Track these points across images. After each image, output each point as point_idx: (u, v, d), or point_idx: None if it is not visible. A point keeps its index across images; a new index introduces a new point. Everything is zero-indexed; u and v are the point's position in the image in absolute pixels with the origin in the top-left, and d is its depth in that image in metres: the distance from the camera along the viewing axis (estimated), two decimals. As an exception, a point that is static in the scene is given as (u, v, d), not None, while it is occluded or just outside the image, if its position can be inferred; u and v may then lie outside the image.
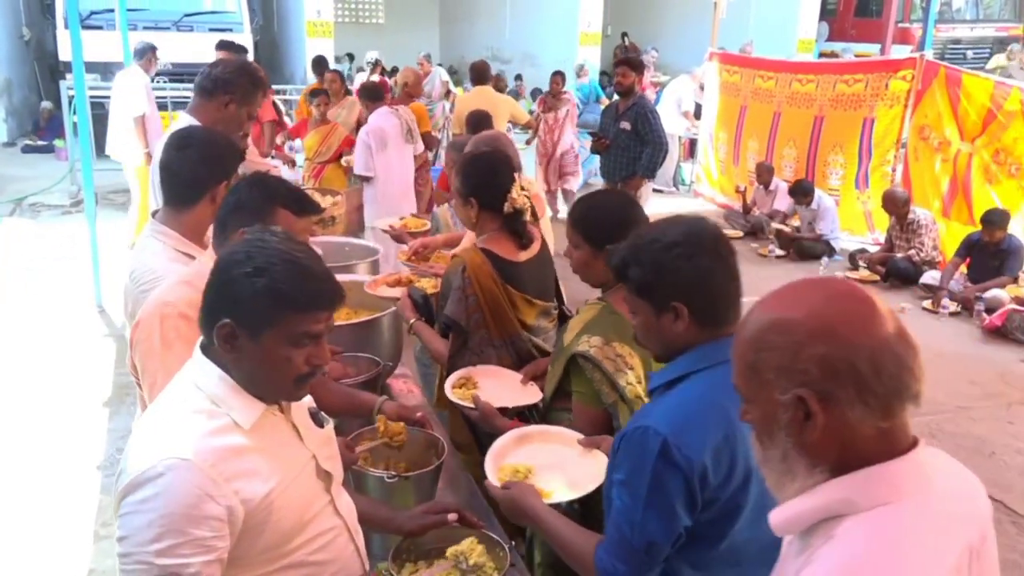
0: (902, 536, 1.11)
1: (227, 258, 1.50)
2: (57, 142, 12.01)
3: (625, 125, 6.33)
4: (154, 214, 2.50)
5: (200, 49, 9.50)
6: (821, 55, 15.38)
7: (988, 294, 6.85)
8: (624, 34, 19.01)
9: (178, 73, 11.16)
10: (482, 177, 2.80)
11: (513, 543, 1.92)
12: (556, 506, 1.97)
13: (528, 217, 2.81)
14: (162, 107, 10.42)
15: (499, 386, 2.60)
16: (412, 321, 2.94)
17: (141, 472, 1.39)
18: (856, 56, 13.69)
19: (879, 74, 8.25)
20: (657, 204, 9.18)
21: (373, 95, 6.68)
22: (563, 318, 2.94)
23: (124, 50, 9.11)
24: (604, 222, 2.31)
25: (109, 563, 3.52)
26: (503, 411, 2.47)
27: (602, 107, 11.31)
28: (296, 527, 1.54)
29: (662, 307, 1.75)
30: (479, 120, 5.48)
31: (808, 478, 1.18)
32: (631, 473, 1.67)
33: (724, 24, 11.29)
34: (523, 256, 2.80)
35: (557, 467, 2.11)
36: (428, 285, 3.22)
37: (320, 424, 1.73)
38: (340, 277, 2.15)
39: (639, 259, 1.78)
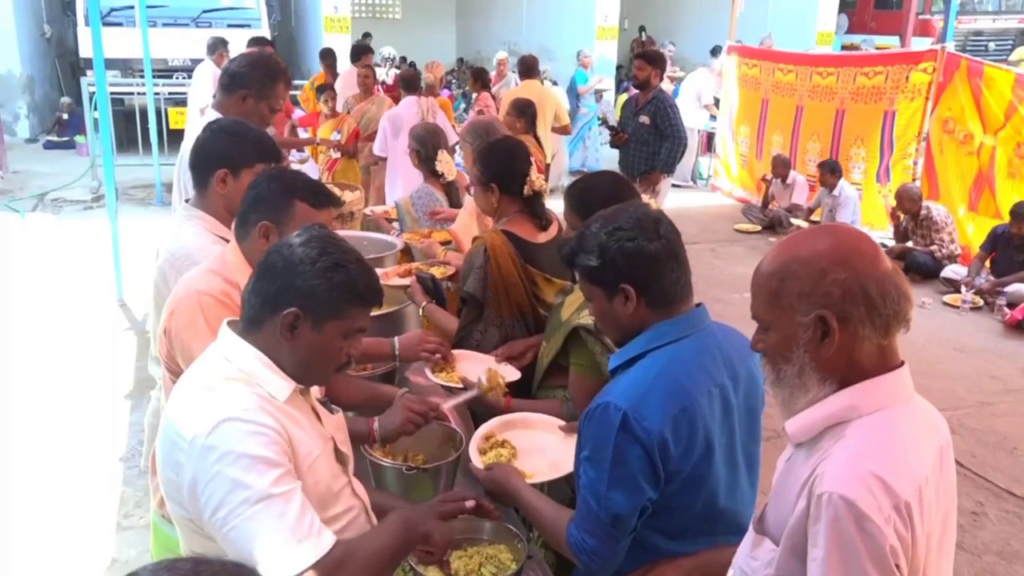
0: (898, 432, 1.35)
1: (299, 251, 1.54)
2: (78, 138, 12.13)
3: (644, 119, 6.30)
4: (187, 201, 2.54)
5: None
6: (843, 48, 15.24)
7: (1010, 288, 6.78)
8: (641, 28, 18.92)
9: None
10: (501, 163, 2.90)
11: (532, 534, 1.92)
12: (539, 487, 2.03)
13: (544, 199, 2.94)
14: (181, 103, 10.54)
15: (476, 367, 2.65)
16: (424, 304, 3.05)
17: (208, 432, 1.43)
18: (877, 48, 13.55)
19: (899, 66, 8.17)
20: (675, 198, 9.18)
21: (409, 85, 7.09)
22: None
23: (144, 47, 9.18)
24: (597, 201, 2.30)
25: (132, 553, 3.57)
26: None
27: (580, 95, 11.40)
28: (325, 497, 1.59)
29: (612, 291, 1.83)
30: (523, 107, 5.92)
31: (819, 391, 1.38)
32: (595, 448, 1.74)
33: (742, 17, 11.22)
34: (542, 237, 2.90)
35: (539, 451, 2.21)
36: (436, 271, 3.36)
37: (331, 410, 1.79)
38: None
39: (584, 246, 1.86)
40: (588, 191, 2.45)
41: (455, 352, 2.76)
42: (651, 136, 6.28)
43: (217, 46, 8.09)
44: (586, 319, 2.28)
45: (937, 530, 1.38)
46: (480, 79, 8.87)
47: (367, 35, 15.87)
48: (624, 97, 13.87)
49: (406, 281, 3.06)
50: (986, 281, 7.02)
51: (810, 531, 1.31)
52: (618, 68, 16.17)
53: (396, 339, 2.52)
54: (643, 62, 6.31)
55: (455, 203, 4.34)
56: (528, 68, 8.59)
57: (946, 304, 6.98)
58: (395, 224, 4.50)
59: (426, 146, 4.32)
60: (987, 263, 7.23)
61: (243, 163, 2.46)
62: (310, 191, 2.06)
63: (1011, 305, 6.64)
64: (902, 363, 1.41)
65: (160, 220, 8.75)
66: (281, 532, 1.34)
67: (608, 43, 14.59)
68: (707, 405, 1.78)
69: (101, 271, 6.86)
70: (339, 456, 1.69)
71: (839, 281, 1.35)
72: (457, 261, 3.65)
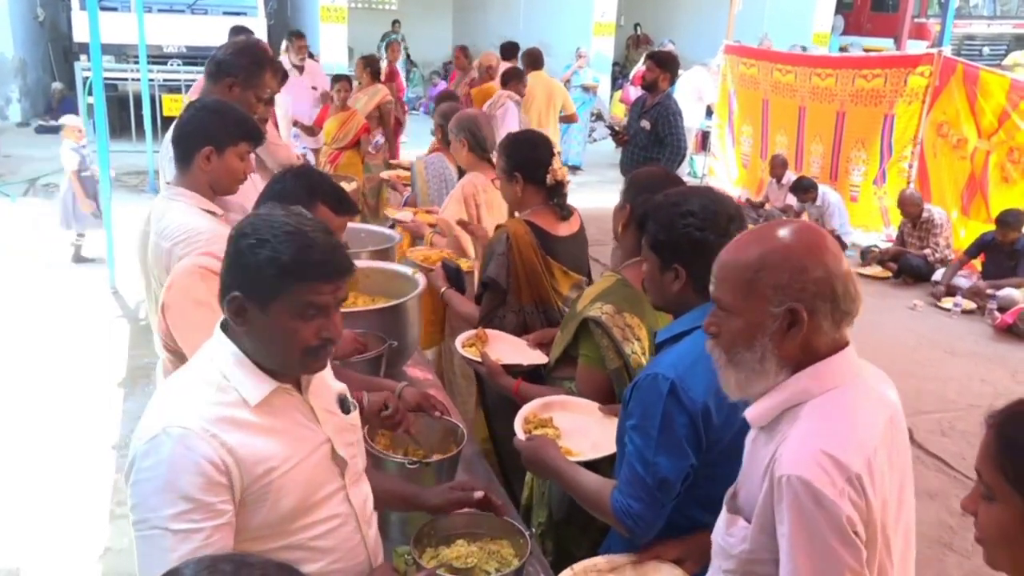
0: (847, 409, 1.45)
1: (236, 232, 1.52)
2: (71, 123, 12.02)
3: (645, 124, 6.16)
4: (168, 182, 2.56)
5: (214, 32, 9.52)
6: (841, 50, 15.27)
7: (1001, 293, 6.83)
8: (636, 25, 18.92)
9: (192, 56, 11.20)
10: (525, 153, 2.99)
11: (533, 530, 1.93)
12: (582, 464, 2.08)
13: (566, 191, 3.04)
14: (175, 90, 10.47)
15: (506, 348, 2.78)
16: (444, 289, 3.19)
17: (146, 440, 1.43)
18: (865, 51, 13.58)
19: (898, 70, 8.18)
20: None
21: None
22: None
23: (139, 32, 9.11)
24: (652, 189, 2.31)
25: (125, 541, 3.56)
26: (508, 369, 2.66)
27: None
28: (298, 509, 1.54)
29: (666, 265, 1.95)
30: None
31: (776, 377, 1.48)
32: (643, 416, 1.83)
33: (738, 16, 11.22)
34: (563, 231, 3.00)
35: (580, 432, 2.26)
36: (463, 263, 3.50)
37: (346, 411, 1.72)
38: (357, 263, 2.15)
39: (657, 217, 1.96)
40: (647, 177, 2.52)
41: (489, 332, 2.85)
42: (649, 141, 6.18)
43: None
44: (596, 311, 2.33)
45: (894, 493, 1.47)
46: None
47: (396, 23, 15.78)
48: (619, 94, 13.91)
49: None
50: (973, 284, 7.07)
51: (776, 510, 1.41)
52: (614, 65, 16.15)
53: (404, 385, 2.44)
54: (653, 63, 6.15)
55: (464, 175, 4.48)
56: (534, 60, 8.65)
57: (938, 307, 7.03)
58: (408, 188, 4.84)
59: (448, 120, 4.44)
60: (977, 267, 7.29)
61: (228, 141, 2.46)
62: (334, 196, 2.07)
63: (1002, 309, 6.69)
64: (846, 344, 1.51)
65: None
66: (161, 567, 1.21)
67: (605, 39, 14.58)
68: None
69: (94, 257, 6.83)
70: (336, 459, 1.63)
71: (816, 279, 1.44)
72: (441, 243, 3.88)
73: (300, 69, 8.13)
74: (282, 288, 1.46)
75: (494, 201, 3.81)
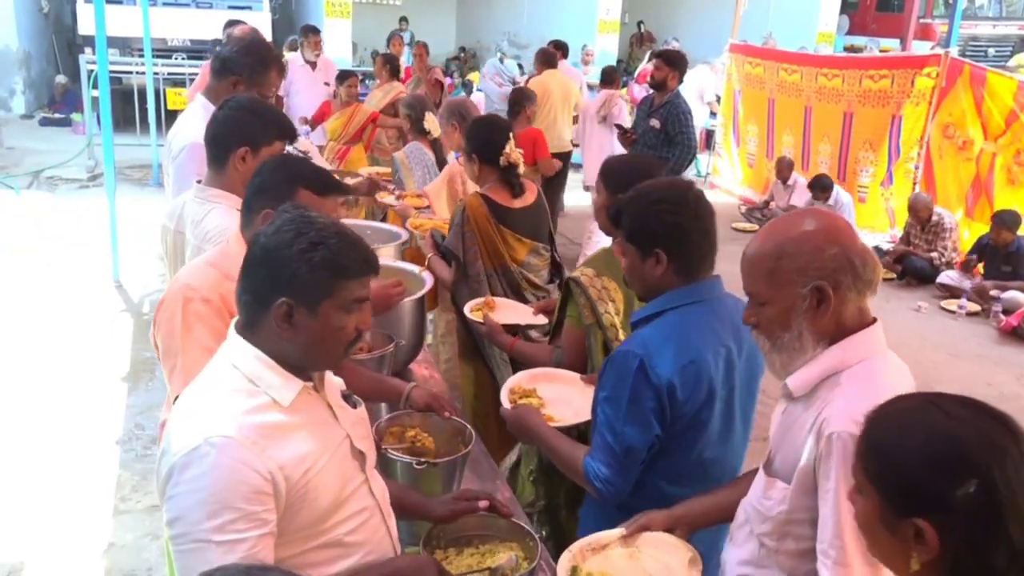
0: (882, 377, 1.58)
1: (273, 239, 1.50)
2: (74, 116, 12.02)
3: (654, 123, 6.12)
4: (199, 181, 2.49)
5: (219, 26, 9.52)
6: (846, 49, 15.23)
7: (1005, 295, 6.82)
8: (640, 23, 18.88)
9: (196, 50, 11.18)
10: (483, 137, 3.33)
11: (543, 533, 1.92)
12: (564, 430, 2.25)
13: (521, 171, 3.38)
14: (179, 83, 10.45)
15: (511, 313, 3.10)
16: (430, 255, 3.46)
17: (186, 452, 1.40)
18: (881, 51, 13.54)
19: (904, 70, 8.16)
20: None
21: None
22: (554, 263, 3.52)
23: (144, 25, 9.09)
24: (623, 174, 2.56)
25: (129, 537, 3.55)
26: (508, 329, 2.95)
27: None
28: (332, 506, 1.55)
29: (646, 253, 2.06)
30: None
31: (814, 350, 1.62)
32: (614, 389, 1.99)
33: (743, 15, 11.20)
34: (517, 203, 3.33)
35: (564, 401, 2.44)
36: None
37: (353, 405, 1.74)
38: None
39: (630, 210, 2.10)
40: (620, 164, 2.76)
41: (497, 300, 3.10)
42: (658, 141, 6.14)
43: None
44: (577, 273, 2.57)
45: None
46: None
47: (403, 20, 15.77)
48: (624, 92, 13.87)
49: (539, 320, 3.10)
50: (978, 284, 7.07)
51: (821, 468, 1.54)
52: (618, 62, 16.12)
53: (412, 385, 2.43)
54: (662, 62, 6.08)
55: (440, 159, 5.01)
56: (548, 58, 8.61)
57: (942, 309, 7.01)
58: (390, 185, 4.99)
59: (415, 110, 5.04)
60: (980, 270, 7.28)
61: (263, 140, 2.44)
62: (314, 178, 2.02)
63: (1006, 312, 6.68)
64: (875, 320, 1.66)
65: (157, 201, 8.70)
66: None
67: (609, 37, 14.56)
68: (712, 362, 2.02)
69: (97, 251, 6.81)
70: (355, 453, 1.64)
71: (832, 255, 1.58)
72: (429, 222, 4.10)
73: (313, 65, 8.11)
74: (334, 288, 1.49)
75: None
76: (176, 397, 1.89)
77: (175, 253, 2.60)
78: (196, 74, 10.11)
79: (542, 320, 3.03)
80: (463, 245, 3.25)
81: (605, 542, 1.89)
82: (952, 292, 7.21)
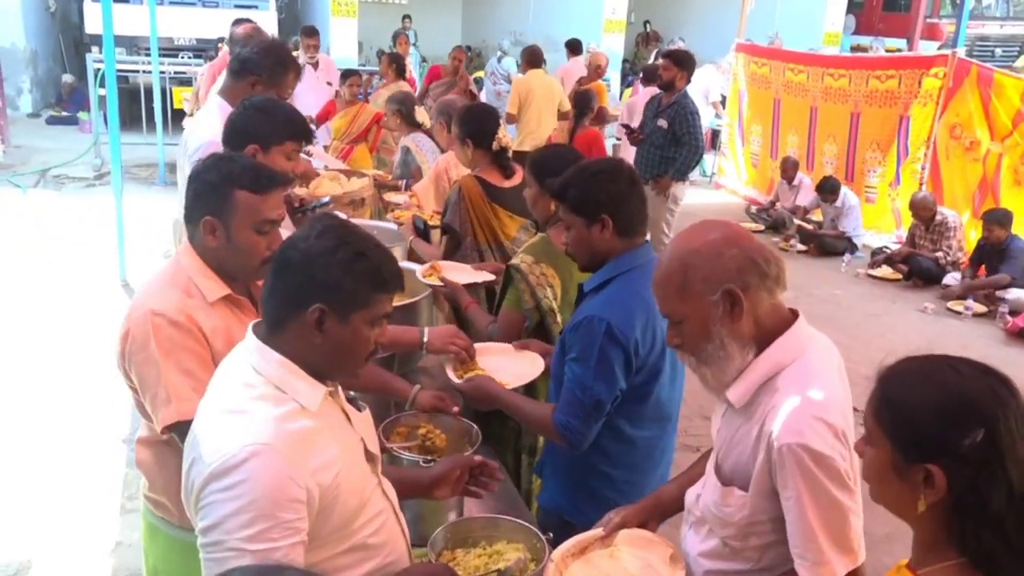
0: (817, 373, 1.65)
1: (315, 246, 1.49)
2: (81, 114, 12.05)
3: (662, 123, 6.12)
4: None
5: (225, 25, 9.56)
6: (852, 49, 15.19)
7: (1011, 296, 6.80)
8: (646, 22, 18.84)
9: (202, 49, 11.20)
10: (476, 124, 3.55)
11: (551, 534, 1.93)
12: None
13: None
14: (186, 82, 10.47)
15: (458, 272, 3.26)
16: (411, 238, 3.74)
17: (223, 460, 1.39)
18: (887, 51, 13.50)
19: (912, 71, 8.14)
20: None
21: None
22: None
23: (151, 24, 9.11)
24: (553, 166, 2.71)
25: (136, 536, 3.55)
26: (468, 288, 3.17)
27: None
28: (357, 509, 1.55)
29: (592, 219, 2.27)
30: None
31: (742, 356, 1.66)
32: (583, 350, 2.21)
33: (749, 15, 11.17)
34: (507, 184, 3.54)
35: (502, 368, 2.62)
36: (429, 219, 4.01)
37: (359, 409, 1.73)
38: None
39: (574, 183, 2.31)
40: (548, 157, 2.92)
41: (442, 264, 3.25)
42: (666, 141, 6.14)
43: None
44: (518, 260, 2.76)
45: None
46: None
47: (407, 18, 15.77)
48: (629, 92, 13.86)
49: (487, 276, 3.30)
50: (962, 283, 7.13)
51: (778, 477, 1.60)
52: (624, 62, 16.10)
53: (426, 329, 2.51)
54: (670, 62, 6.09)
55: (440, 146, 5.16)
56: (534, 57, 8.63)
57: (949, 310, 6.99)
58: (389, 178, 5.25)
59: (405, 105, 5.39)
60: (983, 272, 7.26)
61: (273, 140, 2.46)
62: (249, 177, 1.94)
63: (1013, 313, 6.66)
64: (796, 315, 1.72)
65: (164, 200, 8.72)
66: None
67: (615, 36, 14.51)
68: (659, 316, 2.16)
69: (104, 250, 6.83)
70: (368, 456, 1.65)
71: (733, 256, 1.64)
72: (408, 211, 4.36)
73: (315, 65, 8.12)
74: (371, 299, 1.50)
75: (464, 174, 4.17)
76: (167, 427, 1.88)
77: None
78: (202, 73, 10.23)
79: (488, 276, 3.25)
80: (459, 219, 3.47)
81: (585, 544, 1.91)
82: (952, 294, 7.19)
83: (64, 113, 12.67)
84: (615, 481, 2.36)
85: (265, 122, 2.48)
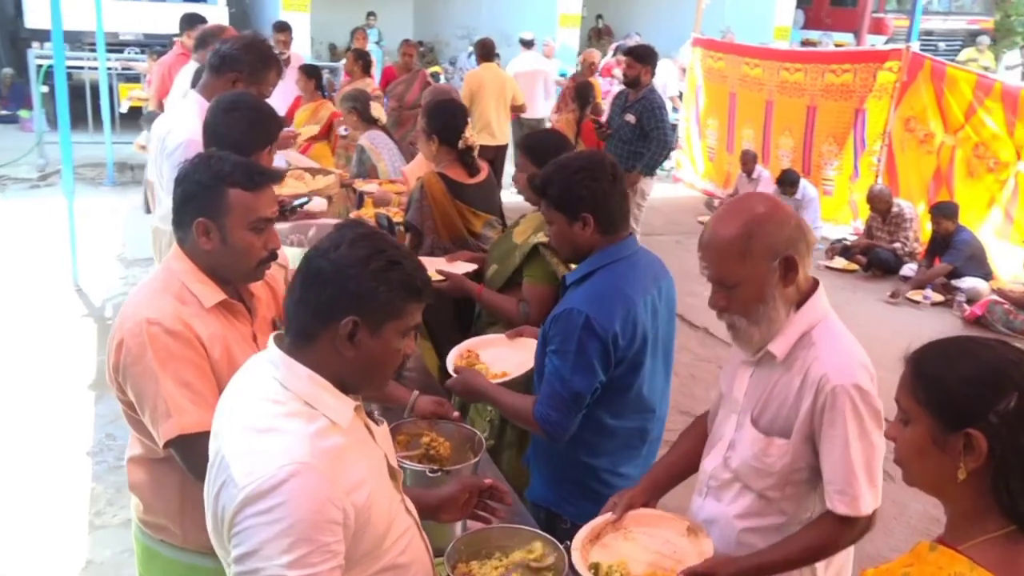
0: (840, 326, 1.88)
1: (347, 255, 1.42)
2: (22, 113, 11.60)
3: (630, 118, 6.13)
4: None
5: (173, 20, 9.28)
6: (802, 44, 15.42)
7: (966, 285, 6.97)
8: (599, 17, 18.89)
9: (149, 44, 10.87)
10: (444, 120, 3.49)
11: (569, 543, 1.88)
12: (510, 383, 2.51)
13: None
14: (133, 79, 10.15)
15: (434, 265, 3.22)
16: None
17: (259, 482, 1.31)
18: (836, 46, 13.74)
19: (866, 65, 8.27)
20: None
21: None
22: None
23: (97, 19, 8.81)
24: (545, 148, 2.88)
25: (107, 553, 3.41)
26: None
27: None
28: (386, 528, 1.49)
29: (573, 217, 2.29)
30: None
31: (785, 315, 1.83)
32: (562, 343, 2.23)
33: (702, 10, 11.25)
34: (471, 180, 3.50)
35: (502, 359, 2.67)
36: (393, 215, 3.98)
37: (376, 423, 1.66)
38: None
39: (555, 181, 2.32)
40: (541, 139, 3.14)
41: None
42: (634, 135, 6.14)
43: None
44: (543, 238, 2.79)
45: None
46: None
47: (371, 15, 15.54)
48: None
49: (471, 266, 3.29)
50: (917, 273, 7.29)
51: (825, 417, 1.77)
52: (577, 56, 16.09)
53: (416, 394, 2.39)
54: (633, 59, 6.11)
55: (397, 142, 5.32)
56: (487, 51, 8.65)
57: (908, 299, 7.13)
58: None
59: (360, 102, 5.32)
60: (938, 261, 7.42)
61: (256, 147, 2.45)
62: (242, 174, 1.88)
63: (969, 301, 6.81)
64: (817, 281, 1.90)
65: (114, 200, 8.44)
66: None
67: (570, 31, 14.52)
68: (643, 309, 2.30)
69: (54, 254, 6.57)
70: (391, 472, 1.58)
71: (793, 227, 1.80)
72: (372, 209, 4.33)
73: (286, 61, 7.94)
74: (403, 310, 1.45)
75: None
76: (169, 441, 1.79)
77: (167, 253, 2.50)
78: (147, 70, 9.89)
79: (471, 267, 3.24)
80: (421, 217, 3.43)
81: (598, 530, 1.95)
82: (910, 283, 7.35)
83: (3, 111, 12.18)
84: (598, 471, 2.38)
85: (246, 128, 2.45)
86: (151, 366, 1.80)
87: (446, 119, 3.51)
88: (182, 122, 2.88)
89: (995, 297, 6.72)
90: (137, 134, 8.29)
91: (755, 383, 1.91)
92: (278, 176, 2.11)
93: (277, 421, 1.39)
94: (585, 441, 2.33)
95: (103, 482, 3.87)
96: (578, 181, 2.28)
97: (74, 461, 4.03)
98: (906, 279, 7.44)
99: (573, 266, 2.76)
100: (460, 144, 3.46)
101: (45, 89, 9.54)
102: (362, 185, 4.78)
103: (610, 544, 1.91)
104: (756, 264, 1.78)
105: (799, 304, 1.84)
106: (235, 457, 1.37)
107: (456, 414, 2.36)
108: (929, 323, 6.67)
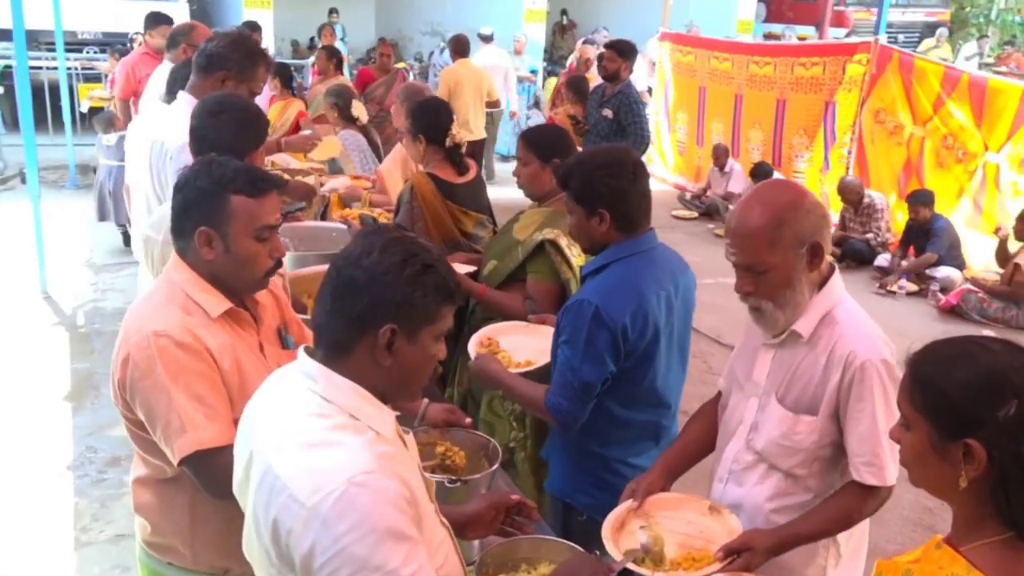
0: (858, 307, 1.95)
1: (380, 262, 1.37)
2: (-25, 114, 11.24)
3: (607, 112, 6.10)
4: None
5: (133, 18, 9.05)
6: (766, 37, 15.55)
7: (941, 274, 7.06)
8: (563, 11, 18.86)
9: (109, 43, 10.60)
10: (429, 119, 3.42)
11: (597, 552, 1.85)
12: (531, 373, 2.53)
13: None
14: (93, 79, 9.90)
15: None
16: None
17: (331, 498, 1.26)
18: (799, 39, 13.88)
19: (835, 58, 8.34)
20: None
21: None
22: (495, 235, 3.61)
23: (56, 17, 8.56)
24: (548, 142, 2.95)
25: (95, 571, 3.31)
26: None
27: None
28: (429, 540, 1.44)
29: (591, 212, 2.32)
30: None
31: (809, 297, 1.88)
32: (572, 333, 2.27)
33: (663, 4, 11.28)
34: (461, 180, 3.45)
35: (524, 347, 2.68)
36: (380, 216, 3.88)
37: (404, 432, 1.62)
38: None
39: (576, 174, 2.36)
40: (546, 133, 3.17)
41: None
42: (611, 131, 6.11)
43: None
44: (549, 235, 2.83)
45: None
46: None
47: (333, 12, 15.34)
48: (553, 81, 13.84)
49: (470, 268, 3.23)
50: (891, 262, 7.41)
51: (852, 391, 1.83)
52: (546, 51, 16.06)
53: (426, 401, 2.34)
54: (614, 53, 6.07)
55: (372, 142, 5.25)
56: (461, 46, 8.72)
57: (883, 289, 7.21)
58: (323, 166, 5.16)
59: (343, 98, 5.22)
60: (912, 253, 7.52)
61: (246, 151, 2.37)
62: (245, 180, 1.81)
63: (943, 291, 6.92)
64: (834, 264, 1.97)
65: (77, 204, 8.20)
66: None
67: (537, 26, 14.47)
68: (655, 304, 2.32)
69: (20, 261, 6.36)
70: (426, 481, 1.53)
71: (817, 215, 1.85)
72: (379, 199, 4.25)
73: None
74: (438, 314, 1.41)
75: None
76: (184, 458, 1.72)
77: (163, 266, 2.41)
78: (107, 70, 9.65)
79: (470, 268, 3.21)
80: (411, 219, 3.37)
81: (622, 519, 1.98)
82: (887, 273, 7.43)
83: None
84: (610, 461, 2.41)
85: (236, 130, 2.39)
86: (162, 380, 1.73)
87: (431, 118, 3.44)
88: (176, 125, 2.79)
89: (969, 286, 6.82)
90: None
91: (778, 364, 1.96)
92: (281, 182, 2.05)
93: (329, 434, 1.34)
94: (597, 431, 2.38)
95: (87, 496, 3.75)
96: (598, 177, 2.31)
97: (55, 476, 3.90)
98: (881, 269, 7.53)
99: (577, 264, 2.85)
100: (447, 142, 3.41)
101: (0, 90, 9.26)
102: (327, 181, 4.71)
103: (635, 531, 1.93)
104: (785, 252, 1.82)
105: (820, 286, 1.90)
106: (293, 476, 1.31)
107: (468, 420, 2.32)
108: (905, 312, 6.76)
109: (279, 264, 1.92)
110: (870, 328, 1.89)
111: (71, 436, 4.23)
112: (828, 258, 1.91)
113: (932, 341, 1.35)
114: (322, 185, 4.81)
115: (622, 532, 1.94)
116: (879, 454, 1.83)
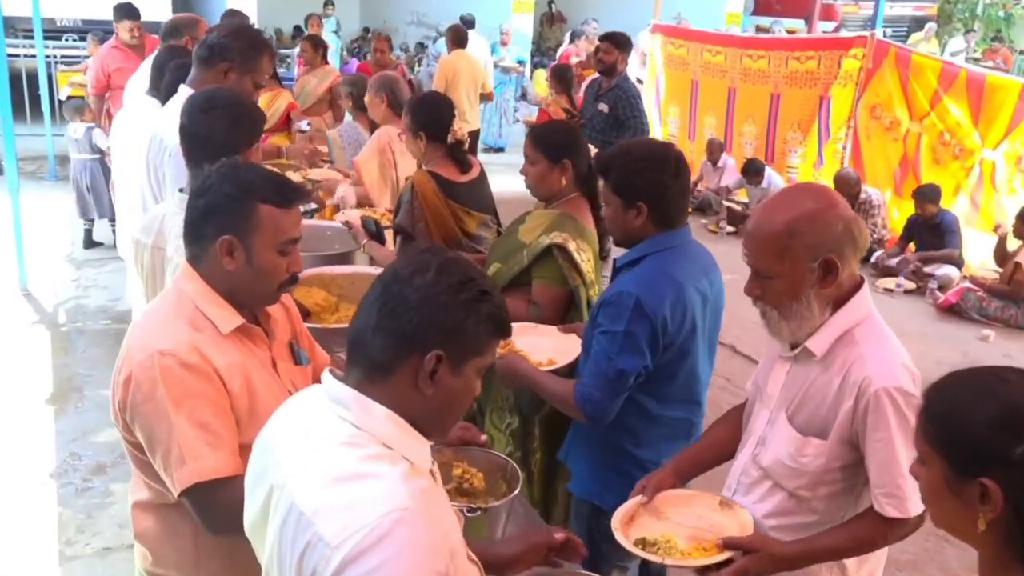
0: (884, 327, 1.84)
1: (437, 282, 1.26)
2: (-50, 103, 10.94)
3: (603, 107, 5.99)
4: (181, 190, 2.24)
5: (112, 5, 8.83)
6: (757, 30, 15.46)
7: (939, 272, 7.00)
8: (551, 2, 18.71)
9: (88, 30, 10.33)
10: (429, 115, 3.30)
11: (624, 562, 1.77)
12: (556, 371, 2.48)
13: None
14: (75, 61, 9.63)
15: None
16: (364, 241, 3.44)
17: (360, 537, 1.15)
18: (788, 32, 13.80)
19: (831, 52, 8.26)
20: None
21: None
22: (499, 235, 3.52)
23: (34, 3, 8.31)
24: (557, 139, 2.85)
25: (82, 587, 3.16)
26: None
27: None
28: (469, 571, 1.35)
29: (629, 204, 2.29)
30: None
31: (821, 315, 1.79)
32: (611, 323, 2.24)
33: (656, -4, 11.18)
34: (463, 178, 3.33)
35: (541, 348, 2.63)
36: (381, 218, 3.76)
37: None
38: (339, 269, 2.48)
39: (617, 165, 2.33)
40: (555, 132, 3.04)
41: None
42: (607, 125, 6.00)
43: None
44: (557, 239, 2.73)
45: None
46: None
47: (329, 3, 15.14)
48: (542, 72, 13.70)
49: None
50: (903, 259, 7.27)
51: (868, 420, 1.74)
52: (534, 43, 15.91)
53: None
54: (610, 45, 5.98)
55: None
56: (459, 37, 8.64)
57: (882, 287, 7.15)
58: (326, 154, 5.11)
59: (357, 87, 5.09)
60: (911, 248, 7.46)
61: (240, 151, 2.24)
62: (273, 189, 1.70)
63: (942, 288, 6.86)
64: (863, 278, 1.86)
65: (57, 196, 7.97)
66: None
67: (524, 17, 14.33)
68: (693, 298, 2.30)
69: (-2, 256, 6.16)
70: (457, 514, 1.45)
71: (838, 228, 1.73)
72: (351, 197, 4.13)
73: None
74: (487, 346, 1.32)
75: (406, 150, 3.97)
76: (184, 490, 1.60)
77: (154, 272, 2.29)
78: (86, 56, 9.39)
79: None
80: (412, 219, 3.27)
81: (632, 513, 1.95)
82: (885, 271, 7.37)
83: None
84: (640, 460, 2.36)
85: (228, 125, 2.26)
86: (163, 405, 1.60)
87: (432, 114, 3.32)
88: (176, 121, 2.65)
89: (968, 284, 6.77)
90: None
91: (792, 379, 1.89)
92: (307, 193, 1.93)
93: (362, 465, 1.22)
94: (628, 428, 2.35)
95: (71, 507, 3.59)
96: (639, 170, 2.28)
97: (37, 484, 3.73)
98: (876, 266, 7.46)
99: (587, 270, 2.77)
100: (449, 139, 3.30)
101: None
102: (308, 173, 4.63)
103: (645, 525, 1.93)
104: (794, 263, 1.75)
105: (842, 301, 1.80)
106: (321, 513, 1.19)
107: (483, 438, 2.18)
108: (903, 311, 6.69)
109: (295, 280, 1.80)
110: (892, 353, 1.78)
111: (53, 442, 4.06)
112: (856, 273, 1.82)
113: (950, 372, 1.28)
114: (304, 179, 4.69)
115: (631, 525, 1.92)
116: (901, 485, 1.74)
